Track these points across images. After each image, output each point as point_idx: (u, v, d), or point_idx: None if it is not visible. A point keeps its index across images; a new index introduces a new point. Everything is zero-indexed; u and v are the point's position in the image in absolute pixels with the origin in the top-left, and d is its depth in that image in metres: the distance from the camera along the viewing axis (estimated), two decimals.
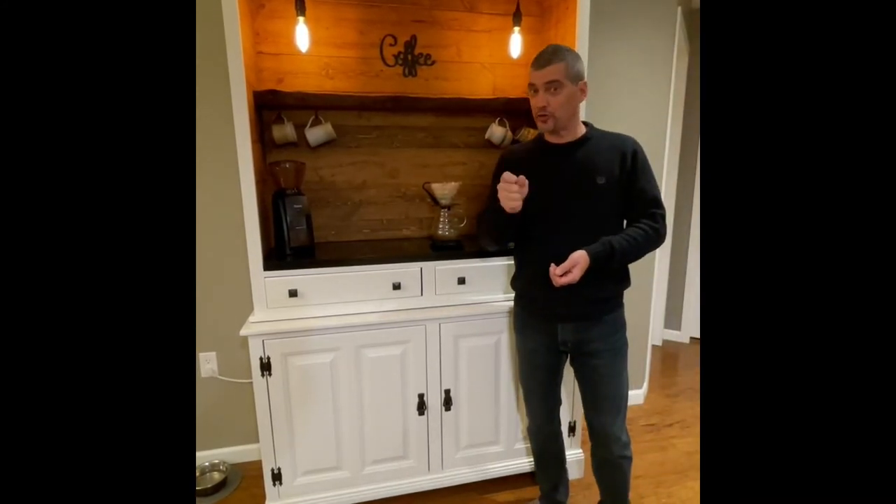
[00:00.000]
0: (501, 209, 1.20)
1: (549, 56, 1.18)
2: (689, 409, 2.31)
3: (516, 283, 1.40)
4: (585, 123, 1.29)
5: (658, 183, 1.25)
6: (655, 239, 1.22)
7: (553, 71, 1.17)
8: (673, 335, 3.17)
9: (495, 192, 1.25)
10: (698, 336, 3.12)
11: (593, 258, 1.16)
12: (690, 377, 2.65)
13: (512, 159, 1.36)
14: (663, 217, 1.23)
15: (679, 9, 2.17)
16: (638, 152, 1.23)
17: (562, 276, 1.16)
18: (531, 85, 1.22)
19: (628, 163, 1.22)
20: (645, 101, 2.10)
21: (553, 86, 1.18)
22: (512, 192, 1.16)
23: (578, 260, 1.16)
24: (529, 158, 1.32)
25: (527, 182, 1.16)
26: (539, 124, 1.24)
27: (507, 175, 1.16)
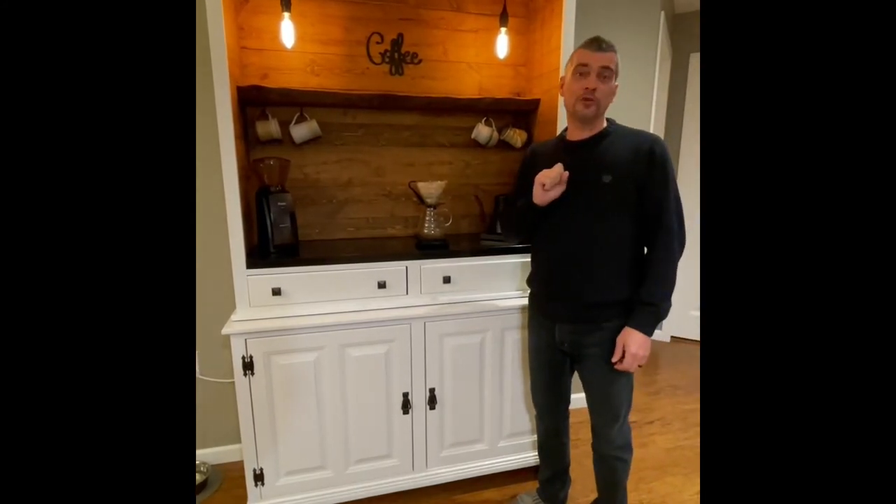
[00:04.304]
0: (532, 203, 1.24)
1: (608, 43, 1.16)
2: (669, 407, 2.36)
3: (529, 278, 1.43)
4: (608, 119, 1.26)
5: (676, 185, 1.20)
6: (672, 260, 1.18)
7: (610, 58, 1.15)
8: (654, 334, 3.23)
9: (520, 186, 1.34)
10: (679, 335, 3.19)
11: (648, 329, 1.18)
12: (671, 375, 2.70)
13: (536, 155, 1.36)
14: (668, 230, 1.17)
15: (662, 14, 2.21)
16: (655, 151, 1.15)
17: (622, 361, 1.21)
18: (583, 65, 1.16)
19: (642, 163, 1.16)
20: (628, 104, 2.13)
21: (606, 73, 1.16)
22: (547, 181, 1.18)
23: (628, 344, 1.18)
24: (550, 155, 1.30)
25: (563, 175, 1.18)
26: (580, 108, 1.18)
27: (558, 167, 1.18)
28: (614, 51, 1.16)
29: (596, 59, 1.15)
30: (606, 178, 1.18)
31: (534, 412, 1.60)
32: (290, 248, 1.53)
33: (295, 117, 1.67)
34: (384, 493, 1.62)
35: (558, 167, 1.19)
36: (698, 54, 2.77)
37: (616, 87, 1.21)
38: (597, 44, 1.15)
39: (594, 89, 1.15)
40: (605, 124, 1.25)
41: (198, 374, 1.78)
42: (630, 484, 1.77)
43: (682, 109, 2.99)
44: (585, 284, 1.23)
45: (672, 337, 3.20)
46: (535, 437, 1.71)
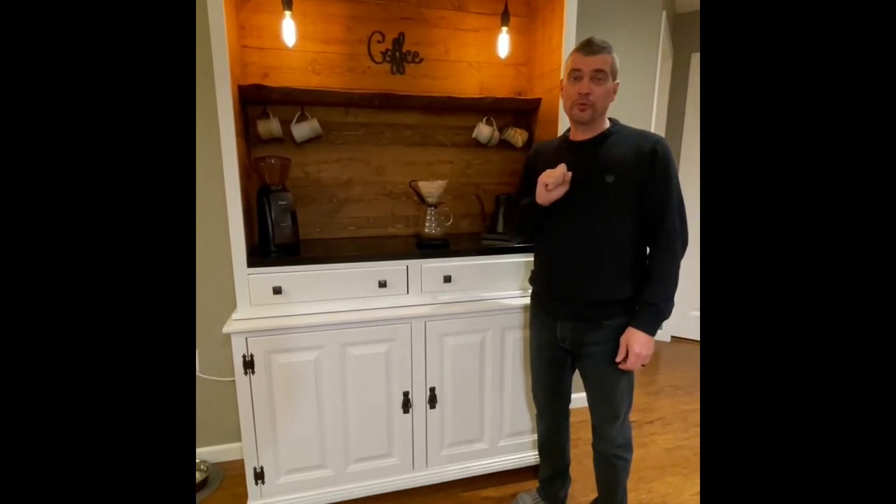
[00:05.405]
0: (535, 203, 1.24)
1: (600, 44, 1.15)
2: (669, 407, 2.36)
3: (531, 277, 1.44)
4: (611, 120, 1.26)
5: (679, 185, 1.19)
6: (674, 260, 1.19)
7: (603, 60, 1.15)
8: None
9: (523, 185, 1.36)
10: (679, 335, 3.19)
11: (651, 329, 1.20)
12: (671, 375, 2.70)
13: (539, 155, 1.37)
14: (671, 231, 1.17)
15: (664, 13, 2.21)
16: (658, 152, 1.15)
17: (625, 361, 1.22)
18: (575, 70, 1.17)
19: (645, 163, 1.16)
20: (628, 104, 2.13)
21: (600, 75, 1.15)
22: (550, 181, 1.18)
23: (631, 344, 1.20)
24: (553, 155, 1.30)
25: (567, 175, 1.19)
26: (576, 112, 1.19)
27: (561, 167, 1.19)
28: (608, 52, 1.16)
29: (588, 63, 1.15)
30: (609, 179, 1.18)
31: (534, 411, 1.60)
32: (291, 247, 1.53)
33: (296, 116, 1.67)
34: (384, 491, 1.62)
35: (561, 167, 1.19)
36: (699, 54, 2.76)
37: (615, 86, 1.20)
38: (589, 47, 1.15)
39: (588, 94, 1.16)
40: (607, 124, 1.24)
41: (198, 373, 1.78)
42: (630, 484, 1.77)
43: (684, 109, 2.99)
44: (587, 283, 1.23)
45: (672, 337, 3.19)
46: (535, 436, 1.71)
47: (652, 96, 2.22)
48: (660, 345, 3.13)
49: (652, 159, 1.16)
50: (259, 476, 1.48)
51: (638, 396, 2.46)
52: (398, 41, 1.76)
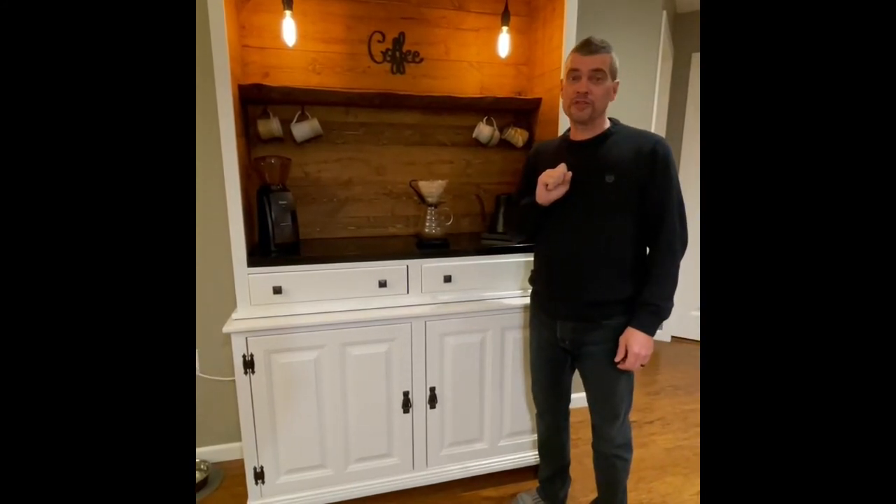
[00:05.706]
0: (535, 203, 1.25)
1: (599, 44, 1.16)
2: (669, 407, 2.36)
3: (532, 277, 1.44)
4: (611, 120, 1.26)
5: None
6: (674, 260, 1.19)
7: (602, 60, 1.15)
8: (655, 334, 3.23)
9: (524, 185, 1.37)
10: (679, 335, 3.19)
11: (650, 329, 1.20)
12: (671, 375, 2.70)
13: (539, 155, 1.37)
14: (670, 231, 1.17)
15: (664, 13, 2.21)
16: (658, 152, 1.15)
17: (624, 361, 1.22)
18: (574, 70, 1.18)
19: (644, 163, 1.16)
20: (629, 104, 2.13)
21: (598, 74, 1.16)
22: (550, 181, 1.19)
23: (630, 344, 1.20)
24: (554, 155, 1.30)
25: (567, 175, 1.19)
26: (575, 111, 1.20)
27: (561, 167, 1.19)
28: (607, 51, 1.16)
29: (586, 63, 1.16)
30: (609, 179, 1.18)
31: (534, 411, 1.60)
32: (291, 246, 1.53)
33: (296, 116, 1.67)
34: (384, 491, 1.62)
35: (561, 167, 1.19)
36: (699, 54, 2.76)
37: (614, 85, 1.20)
38: (587, 47, 1.16)
39: (586, 93, 1.16)
40: (607, 124, 1.24)
41: (198, 373, 1.78)
42: (630, 484, 1.77)
43: (684, 109, 2.99)
44: (587, 283, 1.23)
45: (672, 337, 3.19)
46: (534, 436, 1.71)
47: (652, 96, 2.22)
48: (660, 345, 3.12)
49: (652, 159, 1.16)
50: (259, 476, 1.48)
51: (638, 396, 2.46)
52: (398, 41, 1.76)
